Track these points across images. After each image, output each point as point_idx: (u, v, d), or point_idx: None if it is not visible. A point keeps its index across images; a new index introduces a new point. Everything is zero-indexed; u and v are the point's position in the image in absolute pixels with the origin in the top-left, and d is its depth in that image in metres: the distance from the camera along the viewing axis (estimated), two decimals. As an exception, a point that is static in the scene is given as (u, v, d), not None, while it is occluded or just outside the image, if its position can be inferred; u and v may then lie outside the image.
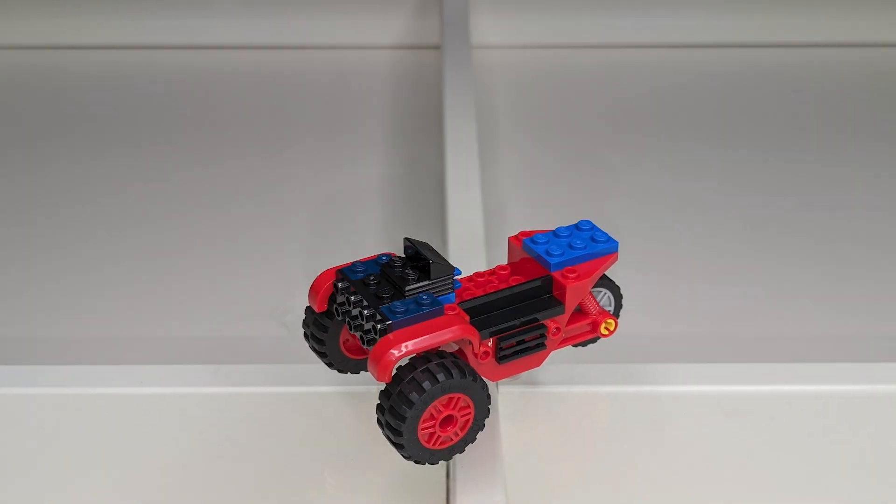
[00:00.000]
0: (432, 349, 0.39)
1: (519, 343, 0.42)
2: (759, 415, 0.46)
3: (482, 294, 0.42)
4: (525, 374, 0.47)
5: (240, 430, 0.45)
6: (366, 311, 0.40)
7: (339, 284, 0.41)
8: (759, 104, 0.82)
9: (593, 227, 0.45)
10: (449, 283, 0.41)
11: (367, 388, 0.47)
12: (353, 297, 0.41)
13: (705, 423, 0.46)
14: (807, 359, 0.53)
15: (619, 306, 0.47)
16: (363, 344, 0.40)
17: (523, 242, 0.44)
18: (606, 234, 0.44)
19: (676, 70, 0.87)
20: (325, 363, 0.44)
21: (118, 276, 0.61)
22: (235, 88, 0.85)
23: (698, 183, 0.70)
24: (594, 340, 0.45)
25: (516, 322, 0.42)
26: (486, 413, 0.41)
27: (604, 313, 0.44)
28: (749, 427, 0.46)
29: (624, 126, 0.78)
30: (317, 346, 0.44)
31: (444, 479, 0.43)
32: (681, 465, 0.44)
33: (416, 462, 0.40)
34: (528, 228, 0.47)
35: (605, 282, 0.46)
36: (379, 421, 0.39)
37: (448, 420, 0.40)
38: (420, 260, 0.41)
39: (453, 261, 0.52)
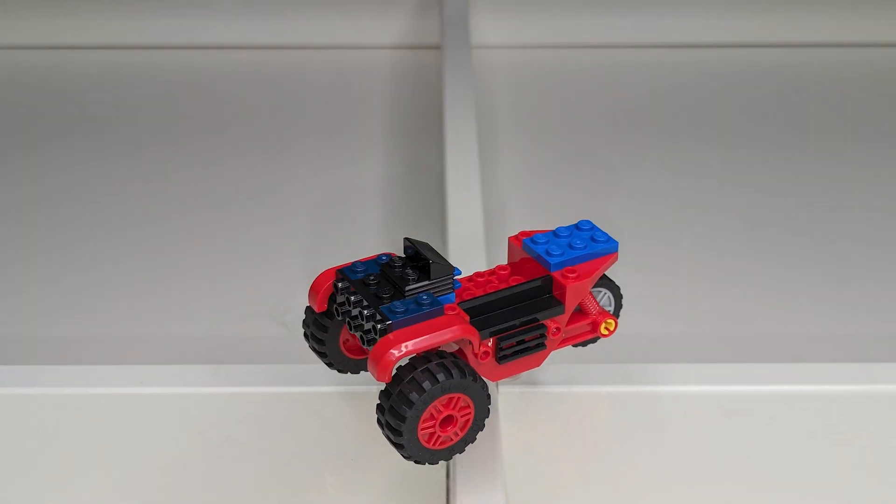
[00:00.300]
0: (432, 349, 0.39)
1: (519, 343, 0.42)
2: (759, 415, 0.46)
3: (482, 294, 0.42)
4: (525, 374, 0.47)
5: (240, 430, 0.45)
6: (366, 311, 0.40)
7: (339, 284, 0.41)
8: (759, 104, 0.82)
9: (593, 227, 0.45)
10: (449, 283, 0.41)
11: (367, 388, 0.47)
12: (353, 297, 0.41)
13: (705, 423, 0.46)
14: (807, 359, 0.53)
15: (619, 306, 0.47)
16: (363, 344, 0.40)
17: (523, 242, 0.44)
18: (606, 234, 0.44)
19: (676, 70, 0.87)
20: (325, 363, 0.44)
21: (118, 276, 0.61)
22: (235, 88, 0.85)
23: (698, 183, 0.70)
24: (594, 340, 0.45)
25: (516, 322, 0.41)
26: (486, 413, 0.41)
27: (604, 313, 0.44)
28: (749, 427, 0.46)
29: (624, 126, 0.78)
30: (317, 346, 0.44)
31: (444, 479, 0.43)
32: (681, 465, 0.44)
33: (416, 462, 0.40)
34: (528, 228, 0.47)
35: (605, 282, 0.46)
36: (379, 421, 0.39)
37: (448, 420, 0.40)
38: (420, 260, 0.41)
39: (453, 261, 0.52)
